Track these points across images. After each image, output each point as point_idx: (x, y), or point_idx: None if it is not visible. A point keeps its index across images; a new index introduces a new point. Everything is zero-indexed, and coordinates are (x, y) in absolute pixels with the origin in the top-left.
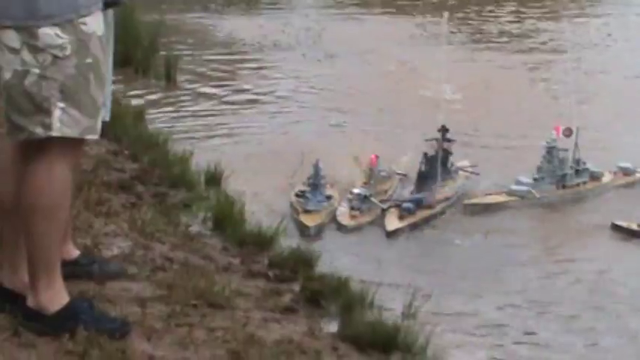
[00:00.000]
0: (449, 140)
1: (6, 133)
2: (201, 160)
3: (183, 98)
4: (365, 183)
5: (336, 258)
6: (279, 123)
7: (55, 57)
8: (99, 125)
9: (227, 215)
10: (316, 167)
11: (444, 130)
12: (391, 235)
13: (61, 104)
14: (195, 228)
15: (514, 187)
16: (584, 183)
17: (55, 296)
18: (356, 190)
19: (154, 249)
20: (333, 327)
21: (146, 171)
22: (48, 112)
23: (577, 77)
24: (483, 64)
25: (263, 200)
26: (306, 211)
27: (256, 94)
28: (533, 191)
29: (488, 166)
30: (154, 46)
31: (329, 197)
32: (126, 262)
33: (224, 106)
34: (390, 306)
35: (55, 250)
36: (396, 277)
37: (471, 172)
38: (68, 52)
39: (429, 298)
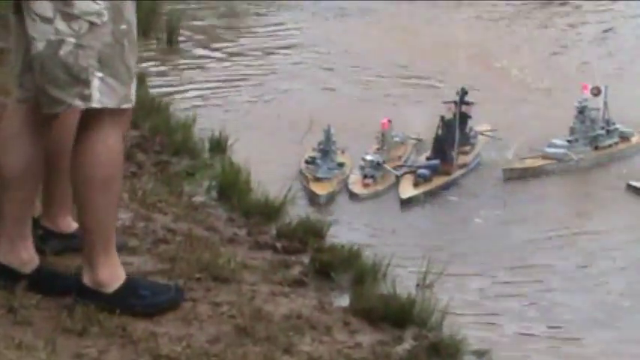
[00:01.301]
0: (467, 103)
1: (40, 106)
2: (205, 126)
3: (185, 62)
4: (378, 149)
5: (348, 228)
6: (288, 87)
7: (92, 24)
8: (133, 93)
9: (232, 184)
10: (327, 133)
11: (462, 92)
12: (405, 203)
13: (99, 74)
14: (198, 198)
15: (549, 149)
16: (616, 144)
17: (114, 273)
18: (368, 157)
19: (155, 220)
20: (344, 301)
21: (147, 138)
22: (86, 83)
23: (596, 34)
24: (498, 21)
25: (270, 168)
26: (317, 179)
27: (263, 56)
28: (570, 153)
29: (512, 129)
30: (155, 8)
31: (341, 164)
32: (126, 234)
33: (229, 70)
34: (404, 278)
35: (112, 223)
36: (411, 248)
37: (491, 137)
38: (105, 18)
39: (445, 270)
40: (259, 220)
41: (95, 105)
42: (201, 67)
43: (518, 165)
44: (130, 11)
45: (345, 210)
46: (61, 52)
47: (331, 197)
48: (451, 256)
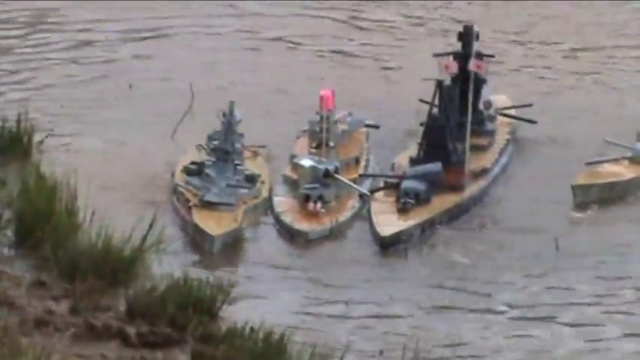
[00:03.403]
0: (481, 56)
1: None
2: None
3: None
4: (315, 147)
5: (263, 296)
6: (151, 36)
7: None
8: None
9: (43, 216)
10: (228, 117)
11: (471, 34)
12: (388, 243)
13: None
14: None
15: None
16: None
17: None
18: (306, 162)
19: None
20: None
21: None
22: None
23: None
24: None
25: (116, 183)
26: (207, 205)
27: None
28: None
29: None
30: None
31: (251, 178)
32: None
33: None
34: None
35: None
36: (386, 333)
37: (521, 119)
38: None
39: None
40: (95, 285)
41: None
42: None
43: (590, 179)
44: None
45: (260, 262)
46: None
47: (233, 238)
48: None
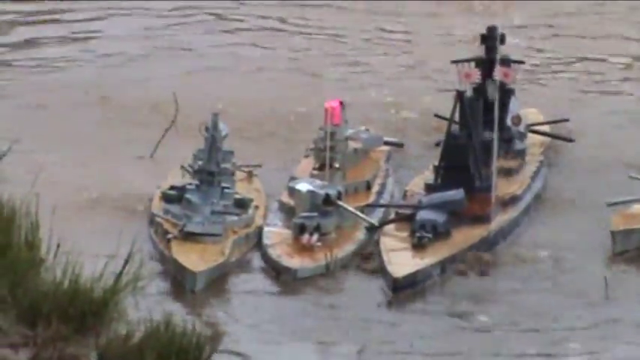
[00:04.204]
0: (507, 62)
1: None
2: None
3: None
4: (319, 168)
5: (265, 346)
6: (130, 36)
7: None
8: None
9: None
10: (211, 131)
11: (495, 35)
12: (402, 286)
13: None
14: None
15: None
16: None
17: None
18: (304, 186)
19: None
20: None
21: None
22: None
23: None
24: None
25: (86, 210)
26: (188, 236)
27: None
28: None
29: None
30: None
31: (242, 203)
32: None
33: None
34: None
35: None
36: None
37: (556, 137)
38: None
39: None
40: (60, 331)
41: None
42: None
43: (637, 221)
44: None
45: (252, 303)
46: None
47: (220, 274)
48: None
